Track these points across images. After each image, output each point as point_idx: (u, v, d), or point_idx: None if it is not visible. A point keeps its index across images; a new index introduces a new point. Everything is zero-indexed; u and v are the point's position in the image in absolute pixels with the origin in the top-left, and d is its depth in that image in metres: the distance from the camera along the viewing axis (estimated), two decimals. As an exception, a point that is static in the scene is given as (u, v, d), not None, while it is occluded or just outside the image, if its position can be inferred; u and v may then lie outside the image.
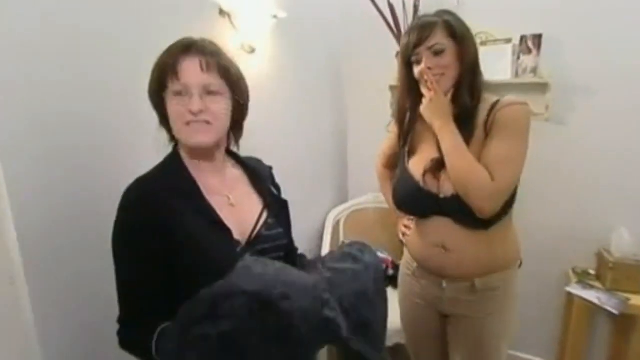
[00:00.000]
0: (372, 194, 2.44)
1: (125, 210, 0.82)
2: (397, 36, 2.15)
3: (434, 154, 1.21)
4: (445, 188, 1.18)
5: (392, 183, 1.37)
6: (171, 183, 0.86)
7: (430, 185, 1.21)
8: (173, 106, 0.83)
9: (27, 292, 0.82)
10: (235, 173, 0.99)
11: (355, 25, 2.37)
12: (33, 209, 0.94)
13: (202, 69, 0.81)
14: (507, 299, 1.26)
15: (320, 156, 2.42)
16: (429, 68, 1.16)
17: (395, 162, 1.45)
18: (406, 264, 1.41)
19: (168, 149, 0.94)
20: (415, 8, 2.09)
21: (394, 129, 1.38)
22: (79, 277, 1.06)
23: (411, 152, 1.31)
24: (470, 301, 1.25)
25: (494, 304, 1.25)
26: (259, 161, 1.09)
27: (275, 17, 1.59)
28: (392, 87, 2.30)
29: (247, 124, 0.98)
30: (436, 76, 1.16)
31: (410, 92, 1.25)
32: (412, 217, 1.39)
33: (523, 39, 1.94)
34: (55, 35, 0.98)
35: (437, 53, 1.15)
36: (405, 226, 1.42)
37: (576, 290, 1.87)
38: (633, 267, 1.81)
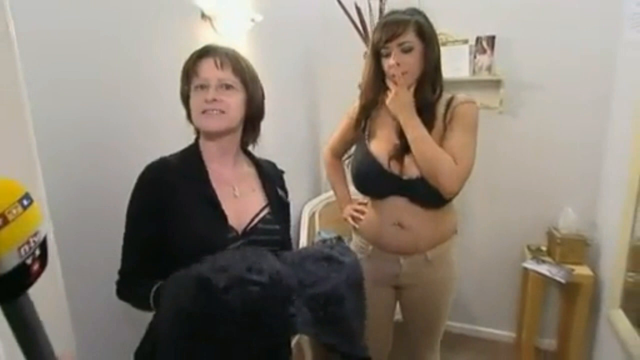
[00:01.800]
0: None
1: (138, 183, 0.95)
2: (364, 37, 2.28)
3: (394, 139, 1.33)
4: (410, 171, 1.30)
5: (349, 167, 1.46)
6: (184, 166, 0.97)
7: (394, 167, 1.31)
8: (194, 99, 0.96)
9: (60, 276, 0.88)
10: (247, 170, 1.08)
11: (327, 28, 2.48)
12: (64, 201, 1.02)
13: (217, 66, 0.94)
14: (452, 261, 1.43)
15: (295, 152, 2.51)
16: (397, 64, 1.25)
17: (342, 151, 1.59)
18: (359, 248, 1.46)
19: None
20: (381, 11, 2.23)
21: (352, 114, 1.48)
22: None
23: (370, 136, 1.40)
24: (424, 272, 1.39)
25: (442, 267, 1.41)
26: (272, 164, 1.17)
27: (253, 20, 1.68)
28: (360, 85, 2.43)
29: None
30: (402, 72, 1.26)
31: (376, 80, 1.35)
32: (364, 201, 1.48)
33: (478, 39, 2.13)
34: (61, 38, 1.04)
35: (406, 51, 1.25)
36: (357, 210, 1.49)
37: (531, 265, 2.09)
38: (577, 241, 2.05)
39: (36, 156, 0.74)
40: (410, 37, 1.25)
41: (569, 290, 2.12)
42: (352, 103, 2.43)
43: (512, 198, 2.30)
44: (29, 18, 0.95)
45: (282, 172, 1.18)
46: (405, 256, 1.38)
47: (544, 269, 2.04)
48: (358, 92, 2.43)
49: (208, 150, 1.01)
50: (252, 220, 1.00)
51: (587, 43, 2.03)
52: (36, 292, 0.45)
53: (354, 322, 0.94)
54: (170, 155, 1.00)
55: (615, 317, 1.77)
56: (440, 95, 1.33)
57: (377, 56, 1.31)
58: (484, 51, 2.13)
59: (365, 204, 1.48)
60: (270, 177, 1.11)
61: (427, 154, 1.25)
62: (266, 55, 2.01)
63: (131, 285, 0.96)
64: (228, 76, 0.95)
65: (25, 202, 0.43)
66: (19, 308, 0.44)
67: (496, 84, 2.14)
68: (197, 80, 0.95)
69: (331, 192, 2.68)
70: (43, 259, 0.45)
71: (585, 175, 2.15)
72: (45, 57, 1.00)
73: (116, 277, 0.97)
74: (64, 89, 1.06)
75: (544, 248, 2.21)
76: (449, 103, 1.30)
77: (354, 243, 1.53)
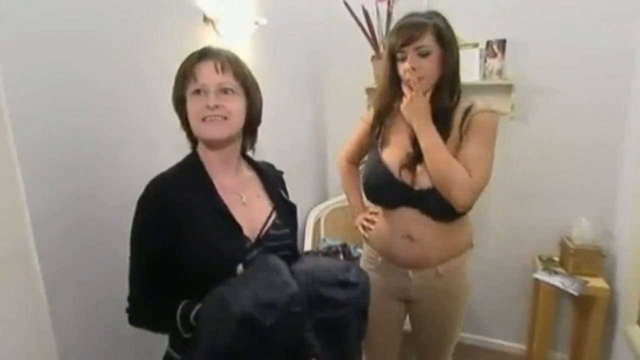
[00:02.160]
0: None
1: (143, 203, 0.90)
2: (372, 41, 2.24)
3: (408, 147, 1.27)
4: (421, 181, 1.24)
5: (362, 174, 1.41)
6: (188, 180, 0.93)
7: (405, 177, 1.26)
8: (192, 105, 0.90)
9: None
10: (248, 175, 1.05)
11: (333, 32, 2.45)
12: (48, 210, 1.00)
13: (217, 70, 0.89)
14: (465, 276, 1.38)
15: (301, 157, 2.48)
16: (413, 68, 1.20)
17: (358, 157, 1.53)
18: (368, 259, 1.43)
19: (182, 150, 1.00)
20: (389, 15, 2.19)
21: (368, 118, 1.42)
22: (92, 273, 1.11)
23: (384, 144, 1.36)
24: (435, 286, 1.34)
25: (454, 283, 1.35)
26: (271, 166, 1.14)
27: (256, 23, 1.65)
28: (368, 90, 2.39)
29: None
30: (419, 78, 1.21)
31: (391, 85, 1.29)
32: (375, 211, 1.44)
33: (489, 43, 2.08)
34: (55, 39, 1.02)
35: (423, 55, 1.19)
36: (368, 220, 1.44)
37: (542, 276, 2.02)
38: (591, 252, 1.97)
39: (15, 160, 0.72)
40: (427, 41, 1.19)
41: (583, 303, 2.04)
42: (359, 107, 2.43)
43: (524, 206, 2.23)
44: (19, 18, 0.94)
45: (281, 172, 1.15)
46: (414, 270, 1.33)
47: (556, 281, 1.96)
48: (365, 96, 2.43)
49: (210, 160, 0.97)
50: (264, 227, 0.98)
51: (602, 44, 1.96)
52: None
53: (354, 344, 0.94)
54: (169, 170, 0.96)
55: (633, 333, 1.69)
56: (457, 102, 1.27)
57: (392, 60, 1.26)
58: (495, 55, 2.07)
59: (376, 214, 1.43)
60: (271, 180, 1.08)
61: (440, 163, 1.20)
62: (271, 59, 1.99)
63: (147, 308, 0.92)
64: (229, 80, 0.91)
65: None
66: None
67: (507, 88, 2.09)
68: (195, 84, 0.89)
69: (338, 198, 2.66)
70: None
71: (601, 182, 2.07)
72: (39, 60, 0.99)
73: (106, 289, 0.95)
74: (58, 94, 1.04)
75: (556, 258, 2.13)
76: (467, 111, 1.24)
77: (364, 253, 1.49)
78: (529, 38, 2.06)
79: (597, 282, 1.93)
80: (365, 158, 1.46)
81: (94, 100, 1.14)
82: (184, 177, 0.93)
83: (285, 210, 1.07)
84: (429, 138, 1.22)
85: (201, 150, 0.98)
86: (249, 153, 1.08)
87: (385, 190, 1.31)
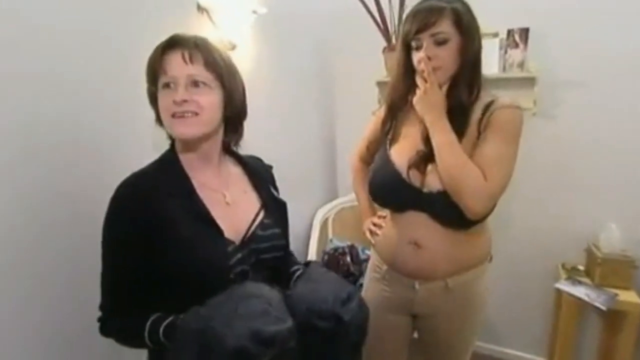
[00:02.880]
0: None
1: (115, 205, 0.83)
2: (384, 31, 2.12)
3: (418, 145, 1.16)
4: (431, 183, 1.12)
5: (369, 171, 1.30)
6: (164, 180, 0.86)
7: (414, 178, 1.15)
8: (161, 100, 0.83)
9: None
10: (234, 171, 0.99)
11: (341, 21, 2.33)
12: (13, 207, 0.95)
13: (185, 61, 0.81)
14: (479, 294, 1.24)
15: (308, 154, 2.39)
16: (428, 57, 1.08)
17: (371, 156, 1.38)
18: (374, 266, 1.34)
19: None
20: (401, 2, 2.06)
21: (380, 114, 1.31)
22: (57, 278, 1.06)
23: (393, 141, 1.25)
24: (444, 300, 1.21)
25: (466, 300, 1.22)
26: (259, 160, 1.08)
27: (255, 12, 1.56)
28: (379, 83, 2.27)
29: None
30: (434, 68, 1.09)
31: (405, 77, 1.18)
32: (383, 214, 1.34)
33: (510, 32, 1.92)
34: (31, 31, 0.96)
35: (440, 43, 1.07)
36: (376, 224, 1.34)
37: (565, 286, 1.86)
38: (621, 262, 1.80)
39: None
40: (445, 27, 1.06)
41: (612, 317, 1.88)
42: (370, 102, 2.31)
43: (547, 209, 2.06)
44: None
45: (270, 167, 1.08)
46: (421, 281, 1.21)
47: (581, 292, 1.80)
48: (376, 90, 2.31)
49: (188, 157, 0.90)
50: (250, 227, 0.92)
51: (633, 39, 1.78)
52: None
53: None
54: (144, 169, 0.88)
55: (666, 353, 1.52)
56: (477, 97, 1.14)
57: (407, 49, 1.14)
58: (516, 45, 1.91)
59: (384, 218, 1.33)
60: (260, 175, 1.01)
61: (452, 164, 1.07)
62: (274, 51, 1.89)
63: (119, 319, 0.85)
64: (199, 72, 0.82)
65: None
66: None
67: (529, 82, 1.92)
68: (164, 77, 0.82)
69: (347, 197, 2.56)
70: None
71: (632, 185, 1.89)
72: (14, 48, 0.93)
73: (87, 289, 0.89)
74: (38, 85, 0.99)
75: (581, 267, 1.97)
76: (487, 107, 1.11)
77: (371, 259, 1.39)
78: (554, 27, 1.90)
79: (628, 296, 1.77)
80: (375, 157, 1.33)
81: (77, 91, 1.08)
82: (160, 177, 0.86)
83: (275, 208, 0.99)
84: (441, 135, 1.09)
85: (179, 148, 0.90)
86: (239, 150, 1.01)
87: (390, 191, 1.20)
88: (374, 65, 2.24)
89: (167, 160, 0.90)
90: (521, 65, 1.91)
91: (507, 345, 2.33)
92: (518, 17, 1.91)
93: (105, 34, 1.15)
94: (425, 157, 1.13)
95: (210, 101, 0.83)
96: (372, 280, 1.34)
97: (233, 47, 1.59)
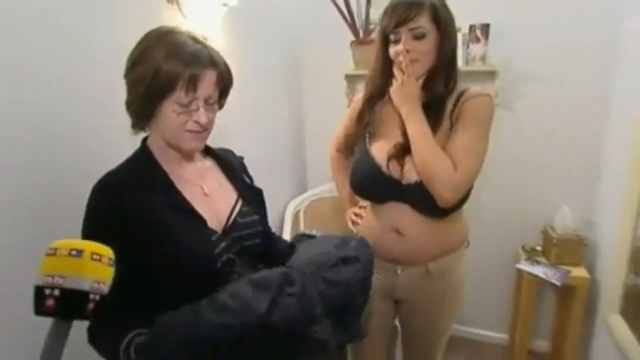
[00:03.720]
0: (330, 184, 2.44)
1: (94, 203, 0.81)
2: (351, 25, 2.14)
3: (398, 137, 1.19)
4: (409, 175, 1.17)
5: (350, 165, 1.33)
6: (142, 176, 0.85)
7: (393, 170, 1.19)
8: (175, 114, 0.80)
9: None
10: (206, 164, 0.99)
11: (309, 15, 2.34)
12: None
13: (216, 82, 0.83)
14: (458, 277, 1.31)
15: (277, 147, 2.38)
16: (407, 50, 1.12)
17: (349, 146, 1.42)
18: None
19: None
20: (368, -3, 2.09)
21: (357, 104, 1.34)
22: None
23: (373, 135, 1.28)
24: (424, 285, 1.27)
25: (446, 283, 1.28)
26: (230, 152, 1.08)
27: (225, 5, 1.53)
28: (347, 77, 2.30)
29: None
30: (412, 60, 1.13)
31: (383, 69, 1.21)
32: (364, 205, 1.37)
33: (472, 28, 2.00)
34: None
35: (418, 37, 1.11)
36: (357, 214, 1.38)
37: (525, 266, 2.00)
38: (574, 242, 1.96)
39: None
40: (424, 22, 1.10)
41: (565, 292, 2.04)
42: (339, 94, 2.34)
43: (507, 195, 2.19)
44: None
45: (241, 157, 1.10)
46: (403, 267, 1.26)
47: (539, 271, 1.94)
48: (345, 83, 2.34)
49: (166, 155, 0.90)
50: (230, 216, 0.93)
51: (586, 32, 1.91)
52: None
53: (358, 317, 0.93)
54: (118, 168, 0.87)
55: (614, 323, 1.68)
56: (453, 90, 1.18)
57: (385, 42, 1.17)
58: (478, 40, 2.00)
59: (364, 208, 1.36)
60: (232, 167, 1.02)
61: (425, 155, 1.11)
62: (244, 44, 1.87)
63: (104, 327, 0.80)
64: (214, 92, 0.85)
65: (111, 262, 0.61)
66: (63, 331, 0.56)
67: (491, 75, 2.02)
68: (190, 95, 0.79)
69: (317, 189, 2.58)
70: (97, 308, 0.58)
71: (583, 171, 2.04)
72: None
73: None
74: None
75: (539, 248, 2.11)
76: (459, 97, 1.16)
77: None
78: (513, 23, 2.00)
79: (579, 272, 1.92)
80: (355, 150, 1.36)
81: (40, 83, 1.02)
82: (136, 174, 0.86)
83: (252, 196, 1.01)
84: (416, 127, 1.14)
85: (155, 143, 0.89)
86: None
87: (371, 184, 1.23)
88: (342, 59, 2.26)
89: (141, 157, 0.89)
90: (483, 59, 2.00)
91: (472, 325, 2.45)
92: (479, 13, 2.00)
93: (73, 23, 1.09)
94: (403, 150, 1.17)
95: (214, 118, 0.88)
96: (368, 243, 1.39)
97: (203, 40, 1.56)
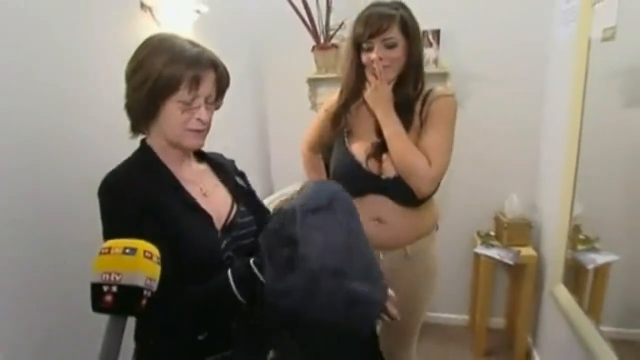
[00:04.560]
0: (297, 183, 2.50)
1: (115, 203, 0.81)
2: (312, 31, 2.23)
3: (374, 137, 1.29)
4: (387, 170, 1.27)
5: (321, 163, 1.42)
6: (148, 174, 0.87)
7: (372, 166, 1.29)
8: (179, 112, 0.84)
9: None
10: (200, 167, 1.02)
11: (272, 21, 2.40)
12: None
13: (216, 82, 0.89)
14: (432, 256, 1.43)
15: (242, 151, 2.41)
16: (380, 58, 1.22)
17: (322, 146, 1.52)
18: None
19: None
20: (328, 5, 2.19)
21: (328, 107, 1.42)
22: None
23: (350, 135, 1.37)
24: (404, 267, 1.37)
25: (422, 262, 1.40)
26: (221, 156, 1.12)
27: (198, 11, 1.57)
28: (309, 80, 2.39)
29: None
30: (384, 67, 1.24)
31: (357, 74, 1.31)
32: None
33: (424, 33, 2.16)
34: None
35: (390, 46, 1.22)
36: None
37: (481, 250, 2.19)
38: (522, 224, 2.18)
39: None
40: (394, 33, 1.21)
41: (516, 270, 2.25)
42: (301, 98, 2.42)
43: (461, 187, 2.36)
44: None
45: (232, 161, 1.14)
46: (385, 251, 1.35)
47: (493, 253, 2.14)
48: (307, 87, 2.42)
49: (168, 154, 0.92)
50: (229, 215, 0.96)
51: (522, 36, 2.13)
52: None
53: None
54: (121, 167, 0.88)
55: (558, 291, 1.89)
56: (421, 91, 1.31)
57: (357, 49, 1.28)
58: (430, 44, 2.17)
59: None
60: (225, 169, 1.06)
61: (401, 153, 1.23)
62: (213, 49, 1.91)
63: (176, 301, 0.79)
64: (213, 92, 0.90)
65: (159, 260, 0.62)
66: (120, 325, 0.58)
67: (443, 76, 2.19)
68: (193, 94, 0.83)
69: (283, 191, 2.62)
70: (148, 304, 0.60)
71: (527, 162, 2.27)
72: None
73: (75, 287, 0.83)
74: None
75: (492, 233, 2.31)
76: (425, 98, 1.29)
77: None
78: (461, 28, 2.19)
79: (527, 251, 2.14)
80: (333, 149, 1.45)
81: (21, 93, 1.02)
82: (144, 171, 0.88)
83: (246, 197, 1.06)
84: (391, 127, 1.25)
85: (156, 144, 0.91)
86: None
87: (353, 180, 1.30)
88: (304, 63, 2.35)
89: (145, 156, 0.91)
90: (435, 61, 2.18)
91: (435, 310, 2.57)
92: (430, 19, 2.14)
93: (47, 29, 1.09)
94: (380, 147, 1.28)
95: (212, 117, 0.92)
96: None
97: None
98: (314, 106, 2.44)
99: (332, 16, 2.21)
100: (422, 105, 1.29)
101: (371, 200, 1.32)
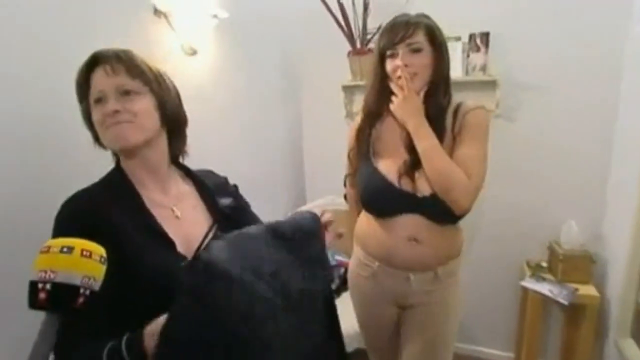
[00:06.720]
0: (330, 196, 2.39)
1: (60, 224, 0.80)
2: (348, 35, 2.11)
3: (403, 153, 1.23)
4: (422, 187, 1.21)
5: (357, 184, 1.34)
6: (112, 196, 0.83)
7: (405, 185, 1.22)
8: (95, 115, 0.82)
9: None
10: (183, 187, 0.97)
11: (305, 25, 2.31)
12: None
13: (107, 74, 0.81)
14: (458, 281, 1.35)
15: (274, 160, 2.34)
16: (405, 65, 1.17)
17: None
18: (362, 266, 1.37)
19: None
20: (365, 6, 2.06)
21: (354, 126, 1.37)
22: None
23: (377, 153, 1.31)
24: (433, 289, 1.30)
25: (451, 286, 1.32)
26: (210, 173, 1.05)
27: (215, 16, 1.50)
28: (345, 87, 2.26)
29: (191, 129, 0.96)
30: (410, 74, 1.18)
31: (382, 87, 1.26)
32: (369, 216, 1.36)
33: (472, 37, 1.95)
34: None
35: (415, 51, 1.17)
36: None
37: (530, 284, 1.91)
38: (581, 257, 1.87)
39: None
40: (420, 38, 1.17)
41: (573, 311, 1.94)
42: (336, 106, 2.30)
43: (510, 210, 2.12)
44: None
45: (224, 178, 1.06)
46: (415, 272, 1.28)
47: (544, 289, 1.86)
48: (342, 94, 2.30)
49: (133, 171, 0.88)
50: (203, 242, 0.88)
51: (592, 39, 1.85)
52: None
53: None
54: (88, 187, 0.86)
55: (625, 346, 1.59)
56: (449, 102, 1.26)
57: (382, 61, 1.23)
58: (478, 49, 1.95)
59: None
60: (209, 190, 0.98)
61: (439, 167, 1.17)
62: (238, 56, 1.84)
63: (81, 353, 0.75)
64: (125, 81, 0.82)
65: (103, 260, 0.64)
66: (54, 324, 0.60)
67: (492, 85, 1.96)
68: (94, 93, 0.82)
69: (316, 203, 2.52)
70: (87, 302, 0.61)
71: (591, 184, 1.96)
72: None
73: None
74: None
75: (544, 264, 2.03)
76: (456, 111, 1.23)
77: (356, 260, 1.41)
78: (514, 31, 1.95)
79: (588, 290, 1.83)
80: (359, 168, 1.35)
81: (27, 100, 1.03)
82: (106, 192, 0.84)
83: (236, 216, 0.96)
84: (426, 141, 1.19)
85: (124, 162, 0.88)
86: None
87: (386, 200, 1.26)
88: (339, 69, 2.22)
89: (112, 176, 0.88)
90: (483, 68, 1.95)
91: (477, 344, 2.37)
92: (479, 21, 1.95)
93: (59, 39, 1.09)
94: (413, 165, 1.22)
95: (142, 107, 0.83)
96: (359, 278, 1.39)
97: (194, 53, 1.53)
98: (349, 114, 2.32)
99: (369, 19, 2.07)
100: (454, 118, 1.22)
101: (406, 219, 1.25)
